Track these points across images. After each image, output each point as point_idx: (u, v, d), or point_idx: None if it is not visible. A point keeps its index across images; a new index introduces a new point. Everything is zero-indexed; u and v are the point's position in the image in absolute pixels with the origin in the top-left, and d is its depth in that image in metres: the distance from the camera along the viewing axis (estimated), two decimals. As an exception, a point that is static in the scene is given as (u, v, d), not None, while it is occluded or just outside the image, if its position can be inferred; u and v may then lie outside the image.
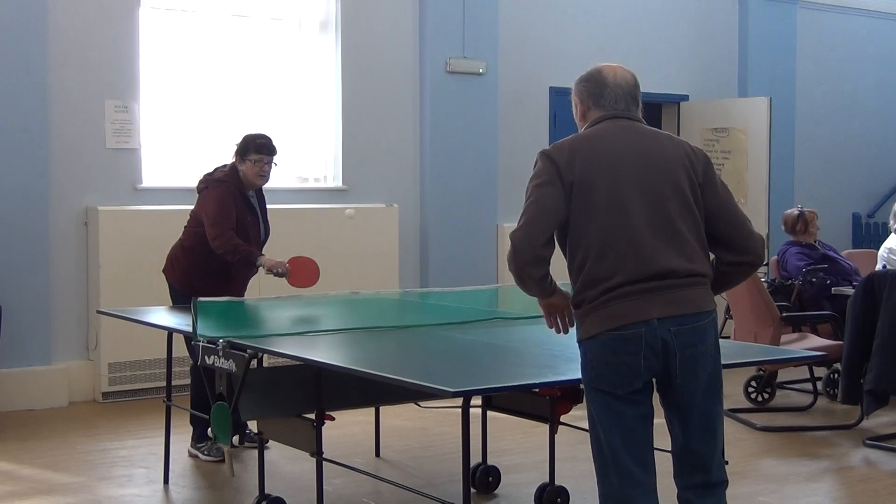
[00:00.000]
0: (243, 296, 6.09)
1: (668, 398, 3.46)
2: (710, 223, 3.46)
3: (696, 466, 3.50)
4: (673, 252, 3.35)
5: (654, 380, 3.43)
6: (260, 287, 6.50)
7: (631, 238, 3.34)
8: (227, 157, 6.10)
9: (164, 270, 6.14)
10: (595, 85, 3.57)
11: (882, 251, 7.64)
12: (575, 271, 3.42)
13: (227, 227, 5.78)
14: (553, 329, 3.60)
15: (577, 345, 3.48)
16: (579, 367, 3.50)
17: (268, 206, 6.25)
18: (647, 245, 3.34)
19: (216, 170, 6.09)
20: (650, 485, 3.43)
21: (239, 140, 6.04)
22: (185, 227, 6.11)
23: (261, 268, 5.89)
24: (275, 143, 6.06)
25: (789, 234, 8.14)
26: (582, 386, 3.51)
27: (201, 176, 6.12)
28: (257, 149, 5.93)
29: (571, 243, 3.41)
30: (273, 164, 6.01)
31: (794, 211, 8.17)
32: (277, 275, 5.83)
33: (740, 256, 3.50)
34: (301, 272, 5.91)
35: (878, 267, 7.49)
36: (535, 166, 3.48)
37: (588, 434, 3.49)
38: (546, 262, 3.40)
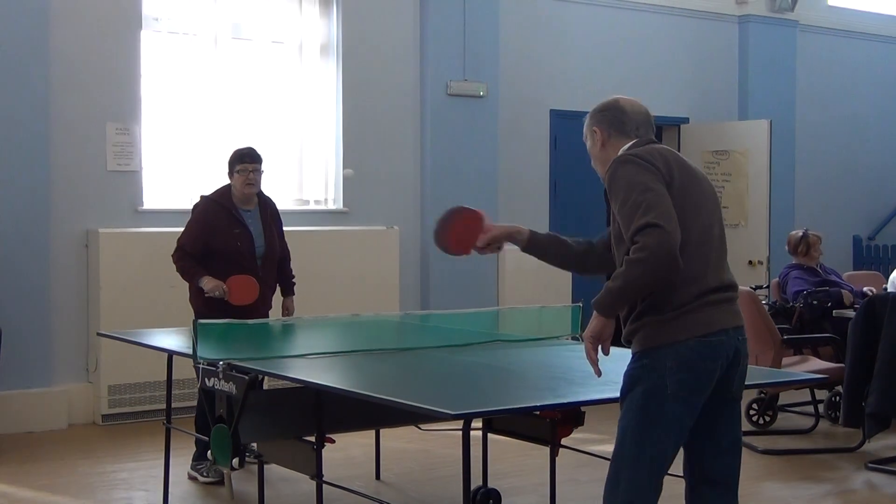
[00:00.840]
0: (267, 314, 6.19)
1: (719, 410, 3.47)
2: None
3: (731, 487, 3.53)
4: (728, 267, 3.51)
5: None
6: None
7: (714, 246, 3.44)
8: (226, 180, 6.21)
9: (189, 300, 6.18)
10: (615, 113, 3.58)
11: (894, 276, 7.61)
12: None
13: (178, 246, 6.06)
14: (593, 363, 3.37)
15: (629, 356, 3.43)
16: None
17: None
18: (721, 255, 3.48)
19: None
20: None
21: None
22: None
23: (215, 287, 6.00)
24: (258, 152, 6.19)
25: (791, 255, 8.12)
26: (633, 394, 3.38)
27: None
28: (240, 159, 6.10)
29: None
30: (260, 171, 6.14)
31: (799, 232, 8.15)
32: (218, 296, 5.92)
33: None
34: (238, 291, 5.99)
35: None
36: (618, 171, 3.36)
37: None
38: None
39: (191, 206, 6.34)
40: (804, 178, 11.27)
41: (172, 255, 6.09)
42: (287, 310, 6.35)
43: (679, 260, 3.19)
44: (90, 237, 7.55)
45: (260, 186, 6.17)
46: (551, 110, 9.75)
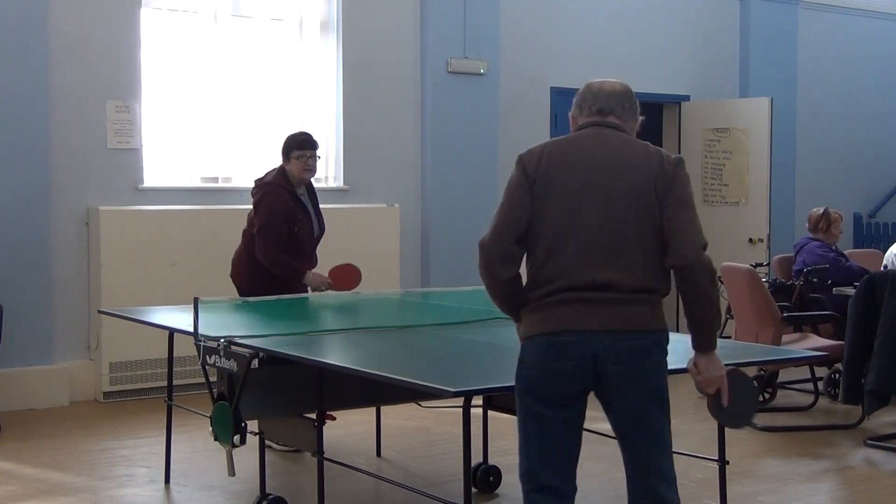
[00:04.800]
0: (306, 289, 6.23)
1: (609, 413, 3.39)
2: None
3: (648, 483, 3.36)
4: (619, 264, 3.26)
5: (587, 391, 3.38)
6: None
7: (578, 243, 3.29)
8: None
9: (231, 275, 6.27)
10: (581, 96, 3.55)
11: (889, 253, 7.61)
12: (528, 272, 3.41)
13: (274, 240, 5.99)
14: None
15: None
16: None
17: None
18: (594, 253, 3.27)
19: (266, 174, 6.28)
20: (565, 492, 3.40)
21: (282, 142, 6.26)
22: (244, 231, 6.27)
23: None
24: (315, 137, 6.30)
25: (810, 232, 8.13)
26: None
27: (254, 183, 6.29)
28: (299, 145, 6.15)
29: (528, 245, 3.37)
30: (317, 157, 6.22)
31: (820, 210, 8.15)
32: (324, 290, 6.04)
33: (671, 260, 3.27)
34: (343, 280, 6.14)
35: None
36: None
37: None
38: (516, 263, 3.35)
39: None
40: (805, 156, 11.26)
41: (263, 255, 5.98)
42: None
43: (495, 272, 3.36)
44: (91, 215, 7.55)
45: (316, 172, 6.25)
46: (552, 88, 9.73)
